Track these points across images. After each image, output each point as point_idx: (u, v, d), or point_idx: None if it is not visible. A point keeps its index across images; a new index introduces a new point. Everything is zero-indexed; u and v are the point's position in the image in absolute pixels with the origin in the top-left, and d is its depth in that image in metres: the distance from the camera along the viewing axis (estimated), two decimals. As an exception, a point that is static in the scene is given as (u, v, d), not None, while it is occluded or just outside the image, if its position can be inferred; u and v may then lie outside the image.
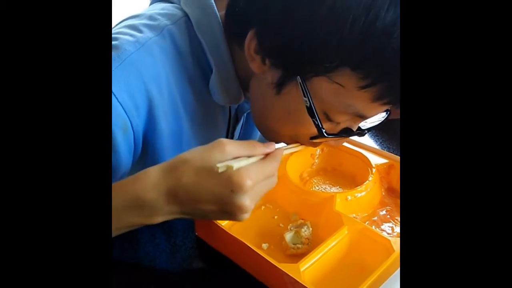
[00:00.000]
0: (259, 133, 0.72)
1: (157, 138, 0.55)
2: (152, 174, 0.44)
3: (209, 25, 0.54)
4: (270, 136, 0.57)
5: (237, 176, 0.41)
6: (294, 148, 0.53)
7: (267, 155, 0.45)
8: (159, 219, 0.44)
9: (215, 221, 0.50)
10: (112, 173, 0.54)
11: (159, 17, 0.55)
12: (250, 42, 0.48)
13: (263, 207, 0.59)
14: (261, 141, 0.74)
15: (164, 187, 0.43)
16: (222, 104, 0.58)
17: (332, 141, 0.54)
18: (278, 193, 0.59)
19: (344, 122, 0.50)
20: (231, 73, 0.56)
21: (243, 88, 0.58)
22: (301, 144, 0.54)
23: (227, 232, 0.49)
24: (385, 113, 0.53)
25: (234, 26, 0.53)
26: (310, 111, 0.46)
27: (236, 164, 0.41)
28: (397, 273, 0.44)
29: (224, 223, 0.54)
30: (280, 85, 0.48)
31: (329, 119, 0.48)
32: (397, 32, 0.39)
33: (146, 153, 0.56)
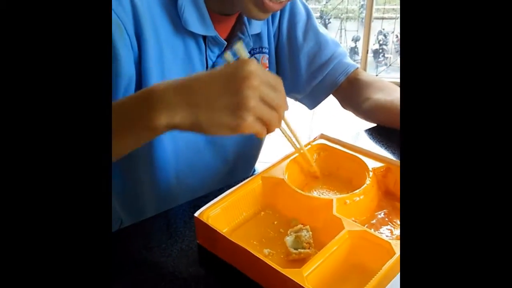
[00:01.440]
0: None
1: (145, 53, 0.60)
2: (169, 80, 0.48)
3: None
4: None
5: (246, 60, 0.46)
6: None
7: None
8: (163, 114, 0.46)
9: (215, 228, 0.50)
10: (115, 82, 0.59)
11: None
12: None
13: (262, 213, 0.59)
14: None
15: (178, 82, 0.47)
16: (191, 28, 0.63)
17: None
18: (278, 198, 0.59)
19: None
20: None
21: (214, 21, 0.65)
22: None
23: (228, 239, 0.49)
24: None
25: None
26: None
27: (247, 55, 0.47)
28: (399, 275, 0.44)
29: (225, 229, 0.54)
30: None
31: None
32: None
33: (139, 70, 0.61)
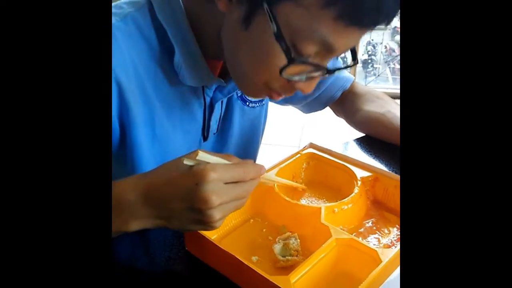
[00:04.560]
0: (237, 128, 0.74)
1: (131, 122, 0.58)
2: (131, 178, 0.47)
3: (170, 7, 0.57)
4: (243, 83, 0.57)
5: (202, 169, 0.43)
6: (279, 179, 0.55)
7: None
8: (135, 224, 0.46)
9: (204, 235, 0.50)
10: None
11: (123, 5, 0.58)
12: None
13: (251, 220, 0.60)
14: (241, 140, 0.74)
15: (141, 188, 0.46)
16: (189, 83, 0.60)
17: (302, 84, 0.53)
18: (266, 206, 0.60)
19: (312, 57, 0.50)
20: (195, 50, 0.58)
21: (213, 71, 0.60)
22: (276, 92, 0.55)
23: (217, 246, 0.49)
24: (353, 58, 0.55)
25: None
26: (278, 36, 0.47)
27: (204, 157, 0.43)
28: (385, 283, 0.45)
29: (213, 236, 0.55)
30: (247, 19, 0.50)
31: (296, 49, 0.49)
32: None
33: (124, 139, 0.59)
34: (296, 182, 0.68)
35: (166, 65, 0.59)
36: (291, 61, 0.48)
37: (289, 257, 0.51)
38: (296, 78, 0.51)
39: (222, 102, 0.68)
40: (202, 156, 0.43)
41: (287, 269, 0.49)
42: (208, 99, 0.65)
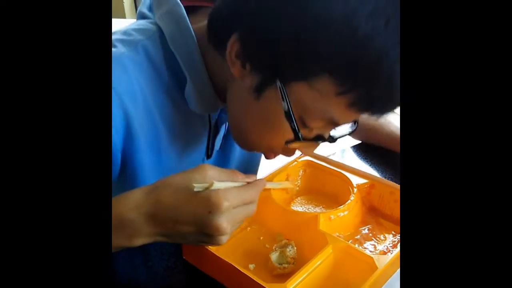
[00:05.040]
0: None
1: (135, 152, 0.57)
2: (135, 194, 0.45)
3: (182, 38, 0.56)
4: (245, 145, 0.58)
5: (214, 197, 0.43)
6: (279, 184, 0.55)
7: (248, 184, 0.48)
8: (139, 241, 0.45)
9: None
10: None
11: (133, 32, 0.57)
12: (232, 46, 0.50)
13: (248, 228, 0.60)
14: (242, 154, 0.75)
15: (145, 208, 0.44)
16: (199, 112, 0.60)
17: (305, 148, 0.56)
18: (263, 214, 0.60)
19: (317, 128, 0.51)
20: (206, 82, 0.57)
21: (220, 97, 0.59)
22: (275, 153, 0.56)
23: (214, 254, 0.49)
24: (354, 123, 0.56)
25: (216, 34, 0.54)
26: (288, 115, 0.48)
27: (215, 184, 0.43)
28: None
29: (211, 245, 0.55)
30: (259, 90, 0.50)
31: (304, 124, 0.49)
32: (374, 42, 0.42)
33: (126, 168, 0.57)
34: (292, 189, 0.68)
35: (175, 94, 0.58)
36: (299, 139, 0.50)
37: (286, 265, 0.51)
38: (300, 146, 0.54)
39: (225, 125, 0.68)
40: (216, 185, 0.43)
41: (284, 276, 0.49)
42: (213, 121, 0.65)
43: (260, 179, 0.49)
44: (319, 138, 0.53)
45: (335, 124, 0.50)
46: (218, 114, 0.65)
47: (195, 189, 0.42)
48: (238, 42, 0.49)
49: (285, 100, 0.47)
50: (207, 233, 0.44)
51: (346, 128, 0.55)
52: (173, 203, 0.44)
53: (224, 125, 0.67)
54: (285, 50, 0.45)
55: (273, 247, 0.54)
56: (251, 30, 0.48)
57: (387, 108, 0.48)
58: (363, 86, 0.44)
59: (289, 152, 0.56)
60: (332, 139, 0.55)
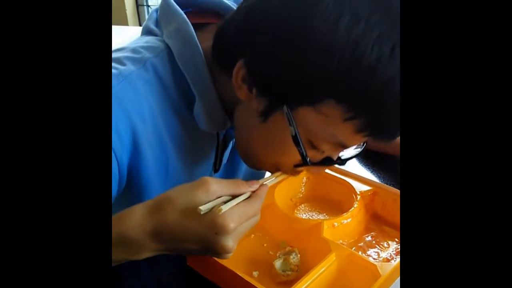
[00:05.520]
0: None
1: (142, 168, 0.56)
2: (137, 212, 0.44)
3: (191, 56, 0.55)
4: (252, 164, 0.58)
5: (221, 219, 0.42)
6: (276, 177, 0.54)
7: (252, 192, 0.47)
8: (142, 255, 0.45)
9: (206, 250, 0.51)
10: None
11: (142, 50, 0.56)
12: (238, 71, 0.50)
13: (252, 235, 0.60)
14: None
15: (149, 227, 0.44)
16: (208, 131, 0.59)
17: (314, 169, 0.55)
18: (267, 221, 0.60)
19: (327, 150, 0.51)
20: (215, 101, 0.57)
21: (228, 114, 0.59)
22: (283, 173, 0.55)
23: (217, 262, 0.50)
24: (362, 144, 0.55)
25: (221, 56, 0.54)
26: (295, 140, 0.48)
27: (221, 207, 0.43)
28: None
29: (214, 252, 0.55)
30: (266, 114, 0.50)
31: (312, 146, 0.49)
32: (380, 69, 0.41)
33: (132, 183, 0.57)
34: (296, 197, 0.68)
35: (184, 111, 0.58)
36: (307, 164, 0.50)
37: (290, 272, 0.51)
38: (308, 168, 0.54)
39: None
40: (224, 207, 0.43)
41: (287, 284, 0.49)
42: (221, 137, 0.65)
43: (263, 185, 0.49)
44: (328, 161, 0.52)
45: (344, 146, 0.50)
46: (226, 131, 0.64)
47: (202, 213, 0.42)
48: (244, 68, 0.49)
49: (292, 125, 0.47)
50: (214, 251, 0.44)
51: (354, 149, 0.55)
52: (178, 223, 0.43)
53: (232, 140, 0.67)
54: (290, 77, 0.45)
55: (277, 254, 0.54)
56: (256, 56, 0.48)
57: (396, 134, 0.48)
58: (370, 112, 0.44)
59: (296, 173, 0.56)
60: (342, 162, 0.55)
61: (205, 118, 0.57)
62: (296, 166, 0.52)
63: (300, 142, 0.48)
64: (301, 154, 0.49)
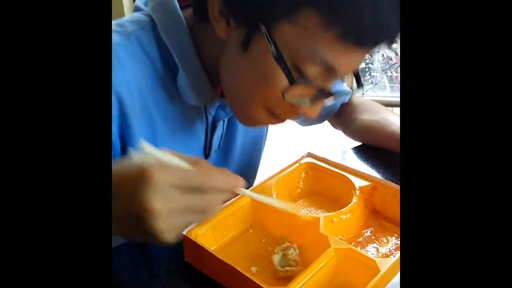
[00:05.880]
0: (238, 146, 0.73)
1: (130, 141, 0.57)
2: None
3: (173, 26, 0.57)
4: (243, 111, 0.56)
5: (147, 168, 0.35)
6: (259, 195, 0.50)
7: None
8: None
9: (203, 246, 0.51)
10: None
11: (127, 23, 0.58)
12: (213, 4, 0.51)
13: (251, 230, 0.60)
14: (241, 157, 0.74)
15: None
16: (193, 103, 0.60)
17: (308, 109, 0.52)
18: (265, 216, 0.60)
19: (315, 79, 0.49)
20: (198, 70, 0.58)
21: (216, 88, 0.60)
22: (278, 118, 0.54)
23: (216, 257, 0.49)
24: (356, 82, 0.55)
25: (198, 3, 0.55)
26: (277, 58, 0.47)
27: (149, 149, 0.36)
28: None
29: (213, 248, 0.55)
30: (246, 42, 0.50)
31: (298, 70, 0.48)
32: None
33: (121, 157, 0.58)
34: (294, 192, 0.68)
35: (169, 84, 0.59)
36: (292, 82, 0.48)
37: (288, 268, 0.51)
38: (299, 101, 0.50)
39: (224, 120, 0.68)
40: (148, 149, 0.36)
41: (286, 279, 0.49)
42: (210, 118, 0.65)
43: (232, 174, 0.42)
44: (319, 93, 0.50)
45: (330, 69, 0.48)
46: (216, 111, 0.65)
47: (131, 154, 0.36)
48: (219, 0, 0.50)
49: (271, 43, 0.47)
50: (138, 215, 0.36)
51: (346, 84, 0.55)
52: (113, 182, 0.35)
53: (221, 122, 0.67)
54: None
55: (275, 250, 0.54)
56: None
57: (378, 39, 0.47)
58: (348, 15, 0.44)
59: (290, 113, 0.54)
60: (333, 93, 0.53)
61: (189, 88, 0.58)
62: (284, 92, 0.49)
63: (282, 58, 0.47)
64: (285, 72, 0.47)
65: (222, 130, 0.69)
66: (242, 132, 0.74)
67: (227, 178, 0.41)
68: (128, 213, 0.36)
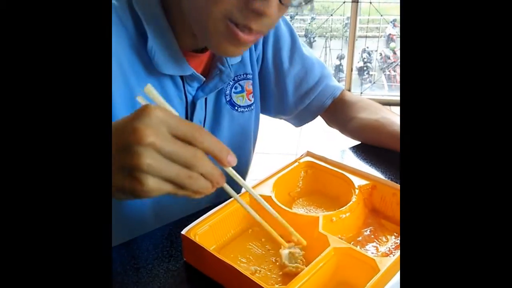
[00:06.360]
0: (226, 133, 0.75)
1: (113, 106, 0.59)
2: None
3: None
4: (206, 28, 0.57)
5: (147, 105, 0.38)
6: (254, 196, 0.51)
7: None
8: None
9: (202, 245, 0.50)
10: None
11: None
12: None
13: (250, 230, 0.60)
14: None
15: None
16: (164, 71, 0.62)
17: (260, 3, 0.52)
18: (265, 216, 0.60)
19: None
20: (168, 36, 0.61)
21: (188, 59, 0.63)
22: (239, 29, 0.54)
23: (215, 256, 0.49)
24: None
25: None
26: None
27: (161, 99, 0.38)
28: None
29: (212, 247, 0.55)
30: None
31: None
32: None
33: None
34: (294, 191, 0.68)
35: (143, 53, 0.61)
36: None
37: (298, 265, 0.51)
38: None
39: (206, 102, 0.70)
40: (154, 93, 0.38)
41: (289, 277, 0.49)
42: (190, 97, 0.67)
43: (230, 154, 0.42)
44: None
45: None
46: (195, 92, 0.68)
47: (138, 98, 0.38)
48: None
49: None
50: (125, 142, 0.37)
51: None
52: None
53: (202, 102, 0.70)
54: None
55: (281, 247, 0.54)
56: None
57: None
58: None
59: (250, 16, 0.53)
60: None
61: (160, 55, 0.60)
62: None
63: None
64: None
65: (205, 115, 0.71)
66: (229, 120, 0.76)
67: (219, 145, 0.41)
68: (118, 147, 0.37)
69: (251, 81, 0.79)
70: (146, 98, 0.40)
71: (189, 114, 0.69)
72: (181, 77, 0.66)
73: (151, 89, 0.39)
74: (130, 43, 0.60)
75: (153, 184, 0.37)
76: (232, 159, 0.42)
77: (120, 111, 0.60)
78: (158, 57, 0.61)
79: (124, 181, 0.38)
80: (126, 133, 0.37)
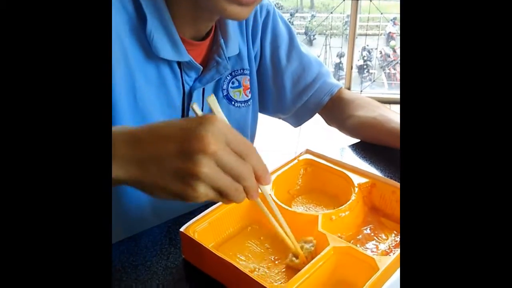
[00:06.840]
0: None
1: (113, 87, 0.59)
2: (120, 125, 0.43)
3: None
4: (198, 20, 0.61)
5: (213, 115, 0.40)
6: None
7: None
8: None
9: (201, 243, 0.50)
10: None
11: None
12: None
13: (249, 227, 0.60)
14: None
15: (129, 131, 0.42)
16: (162, 55, 0.62)
17: None
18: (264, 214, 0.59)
19: None
20: (167, 21, 0.61)
21: (187, 47, 0.64)
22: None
23: (213, 253, 0.49)
24: None
25: None
26: None
27: (219, 110, 0.41)
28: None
29: (211, 244, 0.54)
30: None
31: None
32: None
33: None
34: (293, 189, 0.68)
35: (142, 36, 0.62)
36: None
37: (294, 259, 0.51)
38: None
39: (203, 94, 0.70)
40: (214, 104, 0.41)
41: (286, 275, 0.49)
42: (187, 87, 0.68)
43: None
44: None
45: None
46: (193, 83, 0.68)
47: (193, 106, 0.41)
48: None
49: None
50: (188, 149, 0.38)
51: None
52: (162, 123, 0.41)
53: (199, 93, 0.70)
54: None
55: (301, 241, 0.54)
56: None
57: None
58: None
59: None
60: None
61: (158, 39, 0.61)
62: None
63: None
64: None
65: (202, 107, 0.71)
66: (226, 114, 0.75)
67: (264, 165, 0.43)
68: (177, 150, 0.39)
69: (248, 77, 0.79)
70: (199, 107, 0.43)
71: (186, 105, 0.69)
72: (179, 66, 0.67)
73: (213, 100, 0.41)
74: (131, 27, 0.61)
75: (203, 191, 0.39)
76: (270, 179, 0.45)
77: (120, 94, 0.61)
78: (157, 41, 0.61)
79: (176, 184, 0.39)
80: (190, 139, 0.38)
